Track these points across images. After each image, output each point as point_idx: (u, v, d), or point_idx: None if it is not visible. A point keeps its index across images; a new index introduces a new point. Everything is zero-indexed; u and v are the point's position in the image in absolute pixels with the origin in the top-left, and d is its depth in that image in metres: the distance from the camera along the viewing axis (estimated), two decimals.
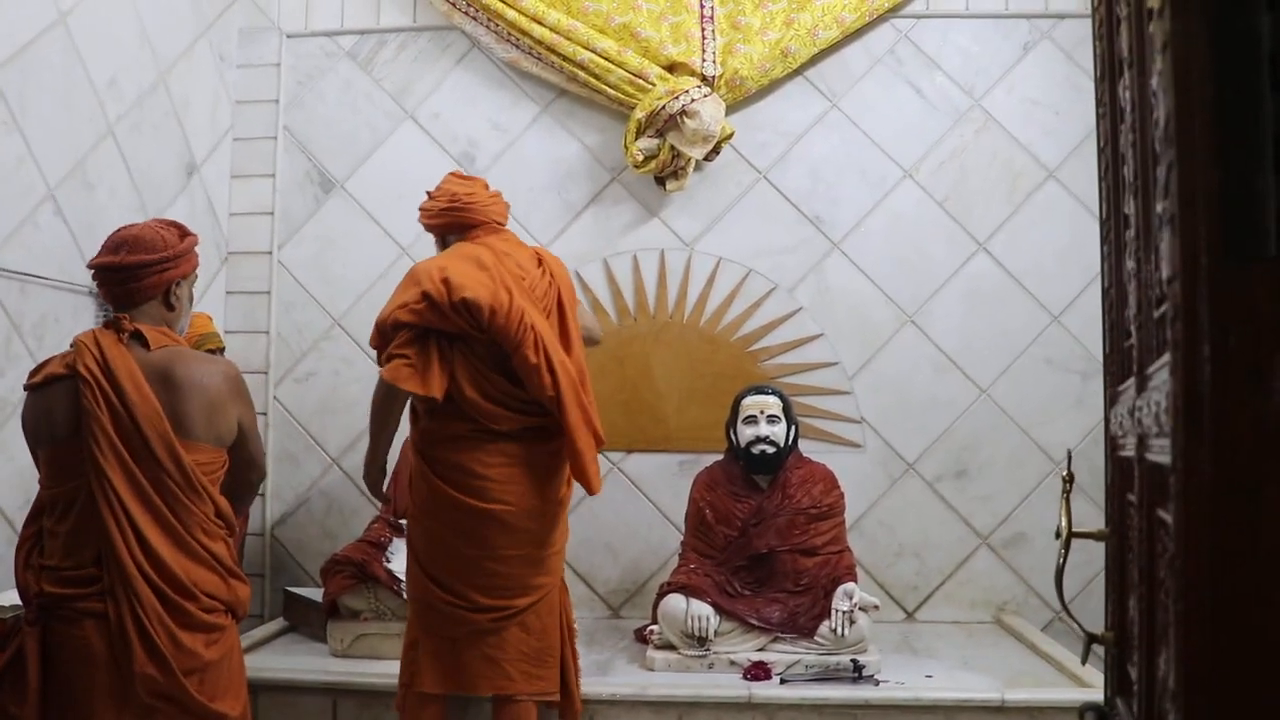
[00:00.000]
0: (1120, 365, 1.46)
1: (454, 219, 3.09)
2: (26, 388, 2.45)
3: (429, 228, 3.19)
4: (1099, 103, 1.60)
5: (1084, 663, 1.61)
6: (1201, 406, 0.75)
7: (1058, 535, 1.52)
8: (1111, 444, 1.52)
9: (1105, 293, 1.58)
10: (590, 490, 3.05)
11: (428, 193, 3.20)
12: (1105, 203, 1.57)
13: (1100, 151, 1.59)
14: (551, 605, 3.04)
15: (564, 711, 3.10)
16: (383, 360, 2.90)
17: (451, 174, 3.25)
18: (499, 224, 3.14)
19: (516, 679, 2.94)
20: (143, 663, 2.26)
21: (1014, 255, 4.41)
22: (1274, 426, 0.73)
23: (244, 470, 2.65)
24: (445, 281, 2.83)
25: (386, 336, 2.90)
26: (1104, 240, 1.59)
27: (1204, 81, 0.75)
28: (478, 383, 2.89)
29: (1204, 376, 0.75)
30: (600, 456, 4.41)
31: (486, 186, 3.18)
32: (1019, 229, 4.42)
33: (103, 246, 2.51)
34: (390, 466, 3.19)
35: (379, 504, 3.17)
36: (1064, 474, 1.59)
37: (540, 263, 3.09)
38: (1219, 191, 0.74)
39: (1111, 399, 1.53)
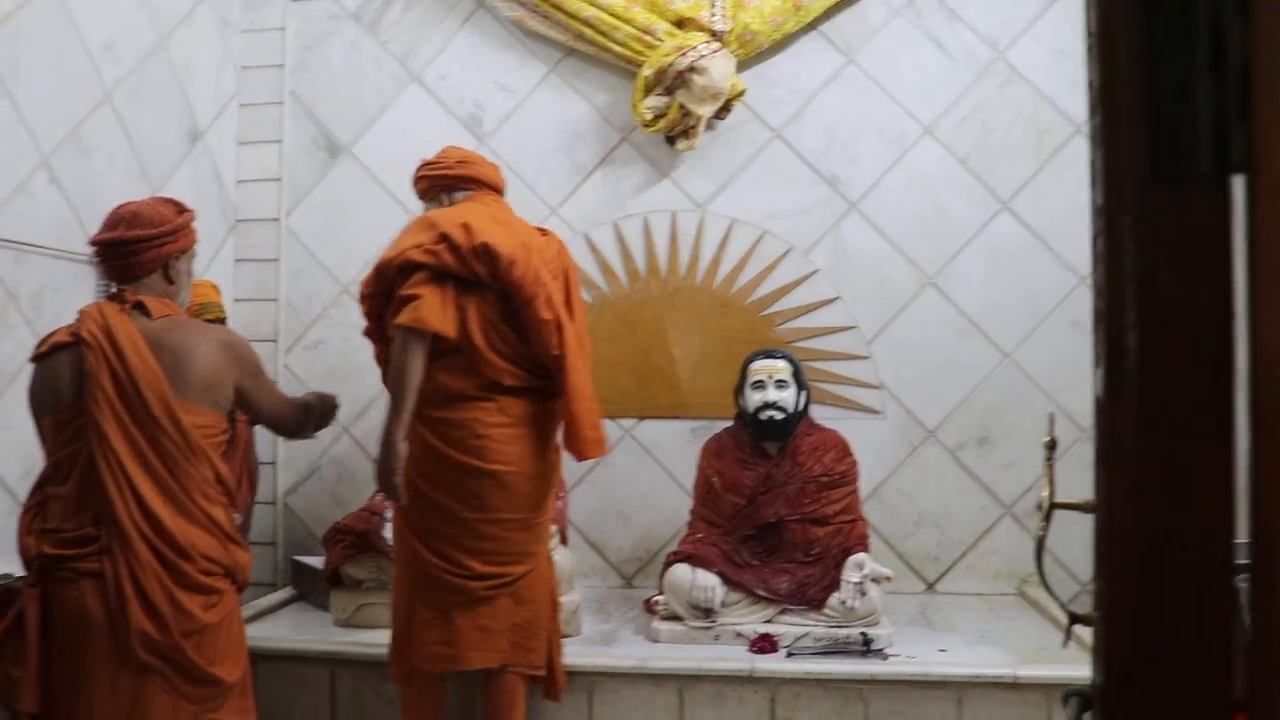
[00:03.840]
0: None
1: (464, 172, 3.03)
2: (33, 359, 2.51)
3: (437, 181, 3.06)
4: (1088, 34, 1.47)
5: (1064, 645, 1.50)
6: (1125, 359, 0.64)
7: (1039, 506, 1.41)
8: (1096, 406, 1.40)
9: (1094, 240, 1.46)
10: (588, 455, 2.94)
11: (425, 160, 3.13)
12: (1092, 143, 1.44)
13: (1090, 87, 1.46)
14: (543, 576, 2.97)
15: (548, 688, 3.03)
16: (391, 309, 2.81)
17: (448, 147, 3.20)
18: (499, 191, 3.09)
19: (508, 651, 2.87)
20: (139, 619, 2.28)
21: (1039, 214, 4.24)
22: (1212, 390, 0.61)
23: (271, 428, 2.81)
24: (466, 226, 2.77)
25: (387, 279, 2.83)
26: (1093, 184, 1.46)
27: None
28: (487, 333, 2.81)
29: (1128, 323, 0.63)
30: (611, 423, 4.37)
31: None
32: (1044, 187, 4.25)
33: (103, 223, 2.56)
34: None
35: (391, 499, 2.86)
36: (1045, 440, 1.47)
37: (544, 233, 3.06)
38: (1146, 97, 0.62)
39: (1096, 358, 1.41)
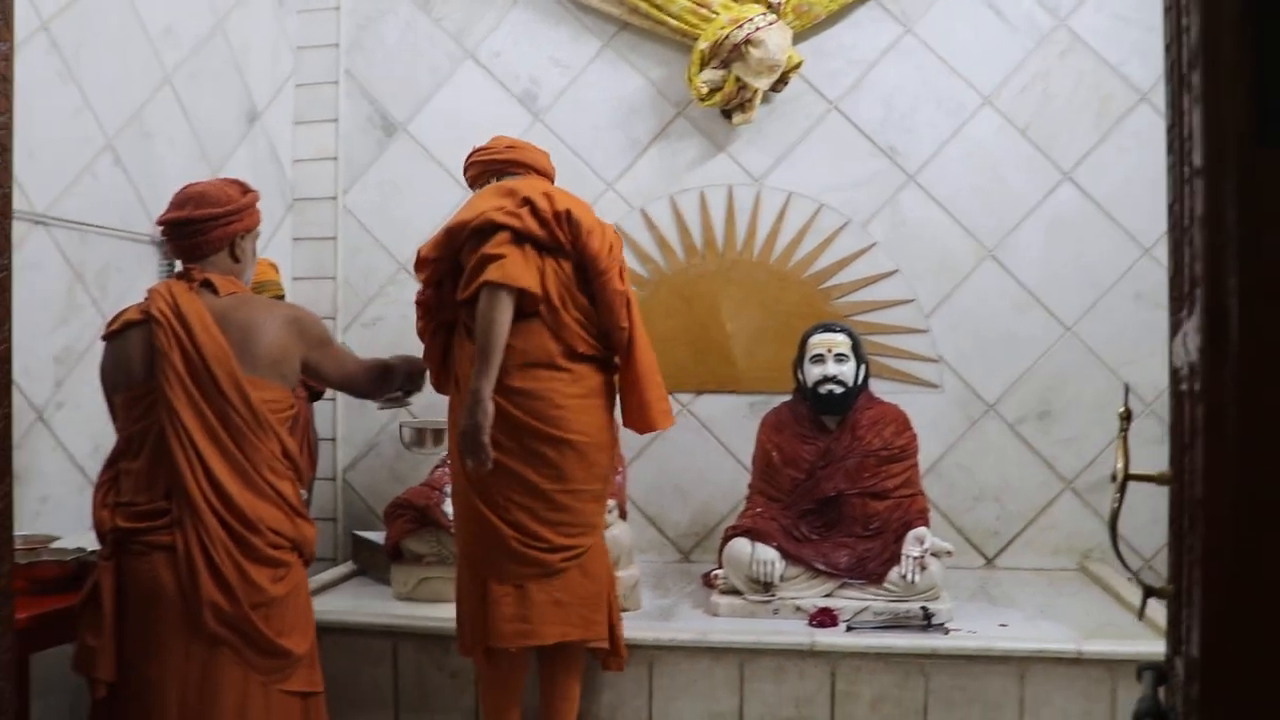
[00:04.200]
0: (1181, 289, 1.31)
1: (514, 156, 3.04)
2: (104, 338, 2.56)
3: (488, 166, 3.06)
4: None
5: (1140, 618, 1.48)
6: (1227, 324, 0.62)
7: (1113, 478, 1.39)
8: (1173, 378, 1.37)
9: (1170, 208, 1.43)
10: (658, 427, 3.00)
11: (475, 148, 3.14)
12: (1171, 107, 1.41)
13: (1167, 49, 1.43)
14: (604, 548, 2.99)
15: (609, 659, 3.03)
16: (470, 270, 2.79)
17: (496, 136, 3.20)
18: (549, 177, 3.11)
19: (578, 625, 2.87)
20: (210, 590, 2.33)
21: (1102, 184, 4.17)
22: None
23: (345, 392, 2.85)
24: (547, 194, 2.82)
25: (458, 242, 2.83)
26: (1170, 149, 1.43)
27: None
28: (563, 296, 2.83)
29: (1229, 288, 0.62)
30: (669, 398, 4.35)
31: None
32: (1107, 156, 4.17)
33: (170, 203, 2.61)
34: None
35: (477, 463, 2.72)
36: (1120, 410, 1.45)
37: (609, 227, 3.06)
38: (1252, 53, 0.60)
39: (1173, 328, 1.38)
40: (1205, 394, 0.65)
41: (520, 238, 2.77)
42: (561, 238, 2.80)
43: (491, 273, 2.71)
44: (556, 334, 2.83)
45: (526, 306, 2.78)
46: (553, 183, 3.10)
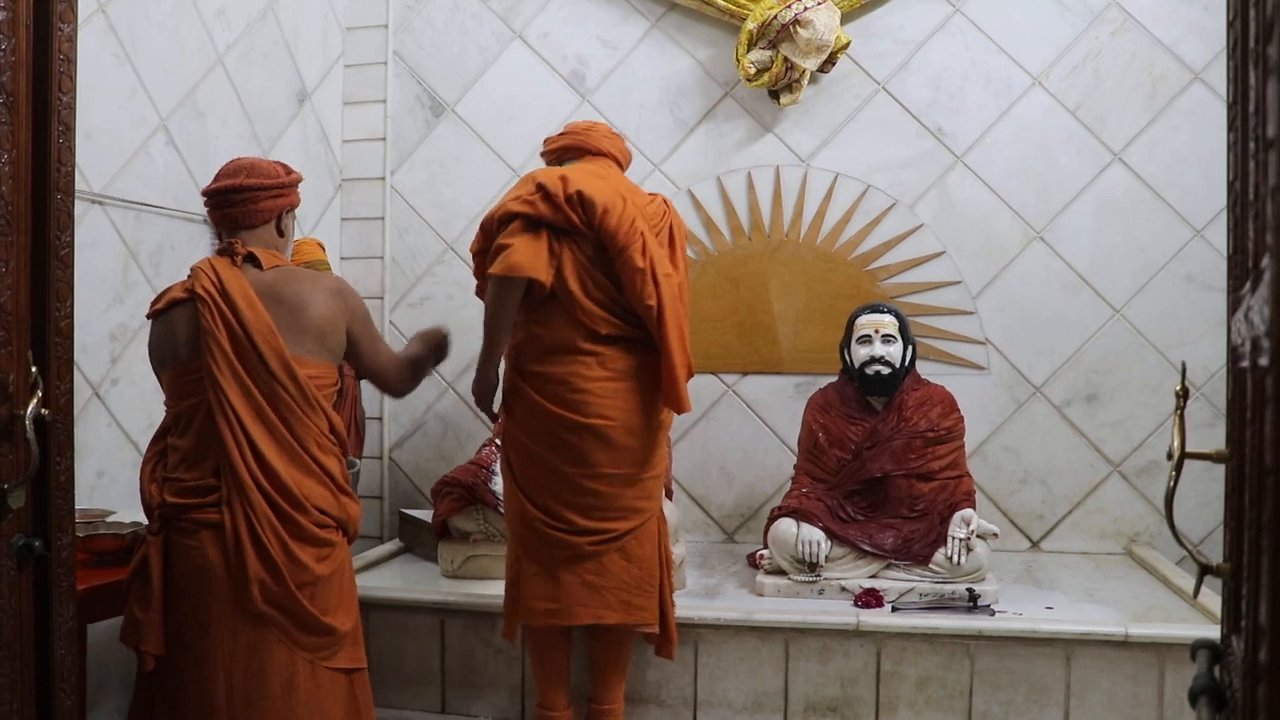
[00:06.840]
0: (1242, 265, 1.30)
1: (574, 141, 3.08)
2: (150, 315, 2.56)
3: (552, 152, 3.14)
4: None
5: (1195, 595, 1.48)
6: None
7: (1169, 456, 1.39)
8: (1232, 354, 1.37)
9: (1230, 186, 1.42)
10: (680, 410, 2.97)
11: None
12: (1233, 84, 1.40)
13: (1230, 25, 1.41)
14: (651, 533, 2.98)
15: (660, 644, 3.05)
16: (487, 260, 2.87)
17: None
18: (618, 161, 3.12)
19: (616, 609, 2.89)
20: (256, 568, 2.33)
21: (1153, 165, 4.12)
22: None
23: (374, 382, 2.74)
24: (563, 179, 2.86)
25: (490, 234, 2.90)
26: (1230, 126, 1.42)
27: None
28: (581, 278, 2.86)
29: None
30: (715, 378, 4.38)
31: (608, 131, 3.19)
32: (1159, 137, 4.13)
33: (218, 174, 2.62)
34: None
35: (488, 421, 3.03)
36: (1178, 389, 1.44)
37: (654, 199, 3.08)
38: None
39: (1232, 305, 1.37)
40: (1277, 362, 0.65)
41: (534, 224, 2.83)
42: (575, 219, 2.83)
43: (497, 265, 2.80)
44: (575, 318, 2.87)
45: (538, 292, 2.84)
46: (618, 163, 3.12)
